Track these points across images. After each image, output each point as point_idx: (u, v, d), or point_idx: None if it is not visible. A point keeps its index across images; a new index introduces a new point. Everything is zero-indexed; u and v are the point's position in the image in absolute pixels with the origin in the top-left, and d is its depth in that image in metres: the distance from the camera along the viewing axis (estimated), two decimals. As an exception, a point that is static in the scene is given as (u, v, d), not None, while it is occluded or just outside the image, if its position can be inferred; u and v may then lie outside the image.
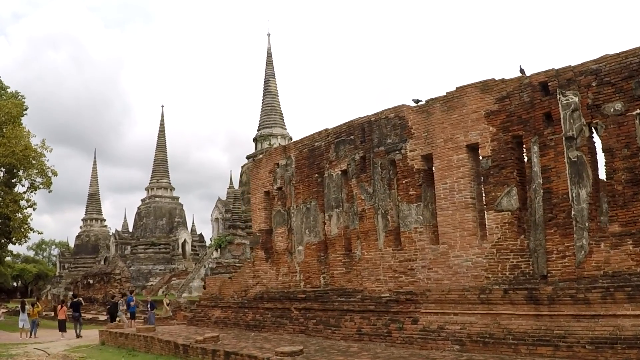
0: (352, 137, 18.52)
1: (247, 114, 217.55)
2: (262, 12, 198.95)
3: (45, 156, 40.37)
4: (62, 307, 30.79)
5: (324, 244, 19.45)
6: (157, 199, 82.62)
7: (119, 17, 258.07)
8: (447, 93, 15.93)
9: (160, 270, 74.76)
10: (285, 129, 74.29)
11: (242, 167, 73.14)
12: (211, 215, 68.42)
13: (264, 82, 75.82)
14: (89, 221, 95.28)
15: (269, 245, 21.78)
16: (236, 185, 70.78)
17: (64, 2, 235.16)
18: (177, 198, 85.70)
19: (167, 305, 35.15)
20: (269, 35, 78.43)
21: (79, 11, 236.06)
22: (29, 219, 40.63)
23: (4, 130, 37.43)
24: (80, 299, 32.51)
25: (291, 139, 74.56)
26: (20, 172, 40.25)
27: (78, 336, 28.80)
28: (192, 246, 79.65)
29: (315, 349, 15.65)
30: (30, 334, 29.89)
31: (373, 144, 17.72)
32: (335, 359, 13.96)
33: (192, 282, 61.71)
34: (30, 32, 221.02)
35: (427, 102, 16.57)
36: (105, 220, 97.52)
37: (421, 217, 16.21)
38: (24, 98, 41.89)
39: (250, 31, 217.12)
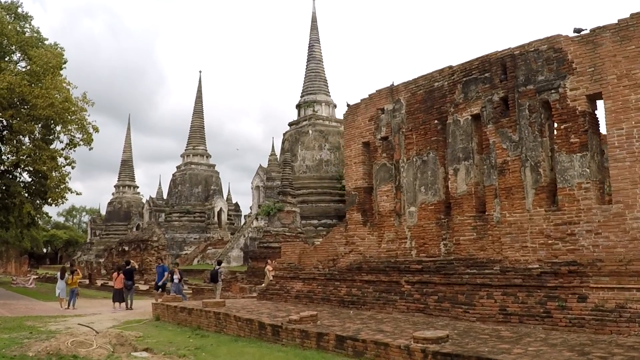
0: (487, 74, 15.02)
1: (283, 85, 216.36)
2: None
3: (86, 110, 36.98)
4: (119, 274, 27.21)
5: (445, 203, 16.03)
6: (193, 166, 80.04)
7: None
8: (619, 20, 12.62)
9: (195, 239, 72.32)
10: (329, 96, 71.36)
11: (284, 134, 70.31)
12: (252, 183, 65.44)
13: (308, 47, 72.79)
14: (121, 188, 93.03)
15: (368, 206, 18.31)
16: (278, 153, 67.80)
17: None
18: (214, 166, 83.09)
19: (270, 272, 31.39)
20: (313, -1, 75.14)
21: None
22: (67, 178, 37.37)
23: (43, 81, 34.22)
24: (135, 264, 29.07)
25: (335, 106, 71.45)
26: (59, 127, 37.04)
27: (128, 308, 25.73)
28: (227, 215, 76.88)
29: (455, 332, 12.28)
30: (69, 305, 26.78)
31: (518, 82, 14.25)
32: (498, 347, 10.61)
33: (231, 252, 59.10)
34: (66, 1, 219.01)
35: (591, 31, 13.21)
36: (138, 187, 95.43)
37: (587, 170, 12.78)
38: (64, 50, 38.62)
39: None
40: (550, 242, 13.29)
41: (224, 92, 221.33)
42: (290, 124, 70.79)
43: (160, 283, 27.16)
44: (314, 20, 73.69)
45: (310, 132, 66.51)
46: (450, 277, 14.85)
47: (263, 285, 29.40)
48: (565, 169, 13.15)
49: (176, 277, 27.53)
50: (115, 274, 27.47)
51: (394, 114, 17.45)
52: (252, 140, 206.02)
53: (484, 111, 14.95)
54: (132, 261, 29.58)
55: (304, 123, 68.15)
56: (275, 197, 58.37)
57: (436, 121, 16.22)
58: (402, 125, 17.15)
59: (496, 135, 14.56)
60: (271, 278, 31.15)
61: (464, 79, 15.56)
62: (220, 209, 75.74)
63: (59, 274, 29.24)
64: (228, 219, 77.57)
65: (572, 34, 13.70)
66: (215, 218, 74.98)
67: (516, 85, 14.26)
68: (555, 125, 13.59)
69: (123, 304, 26.32)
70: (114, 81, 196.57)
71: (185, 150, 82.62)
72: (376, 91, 18.08)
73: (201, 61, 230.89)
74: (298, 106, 70.85)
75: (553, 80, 13.56)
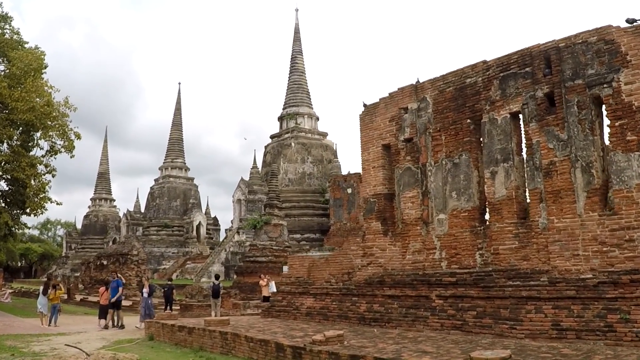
0: (527, 69, 13.82)
1: (261, 99, 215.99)
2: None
3: (68, 116, 35.08)
4: (106, 289, 24.76)
5: (480, 210, 14.74)
6: (171, 179, 78.39)
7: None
8: (675, 8, 11.42)
9: (173, 253, 70.52)
10: (312, 108, 70.33)
11: (266, 147, 69.17)
12: (233, 196, 63.96)
13: (291, 58, 71.94)
14: (97, 201, 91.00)
15: (389, 214, 16.86)
16: (260, 166, 66.38)
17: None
18: (192, 179, 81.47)
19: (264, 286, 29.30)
20: (297, 10, 74.50)
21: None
22: (47, 187, 35.37)
23: (23, 84, 32.34)
24: (122, 279, 26.81)
25: (318, 118, 70.38)
26: (39, 133, 35.03)
27: (115, 326, 23.64)
28: (206, 229, 75.18)
29: (510, 351, 10.87)
30: (50, 322, 24.86)
31: (564, 76, 13.09)
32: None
33: (212, 267, 57.59)
34: (45, 11, 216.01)
35: (646, 21, 12.16)
36: (114, 200, 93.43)
37: (646, 170, 11.65)
38: (44, 54, 36.76)
39: (274, 9, 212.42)
40: (605, 249, 12.12)
41: (201, 105, 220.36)
42: (272, 137, 69.59)
43: (113, 300, 24.02)
44: (296, 32, 72.82)
45: (292, 144, 65.37)
46: (490, 290, 13.48)
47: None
48: (621, 169, 12.00)
49: (145, 290, 24.83)
50: (102, 289, 25.38)
51: (419, 113, 16.13)
52: (229, 154, 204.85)
53: (526, 108, 13.75)
54: (119, 275, 27.52)
55: (287, 135, 67.01)
56: (257, 211, 56.97)
57: (469, 120, 14.95)
58: (428, 125, 15.84)
59: (541, 134, 13.34)
60: (267, 293, 29.67)
61: (501, 74, 14.36)
62: (199, 223, 74.08)
63: (41, 288, 27.24)
64: (207, 234, 75.94)
65: (623, 25, 12.64)
66: (194, 232, 73.26)
67: (562, 80, 13.11)
68: (609, 122, 12.43)
69: (103, 322, 24.23)
70: (91, 93, 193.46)
71: (164, 163, 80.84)
72: (398, 89, 16.76)
73: (178, 75, 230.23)
74: (280, 118, 69.71)
75: (605, 74, 12.46)
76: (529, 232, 13.37)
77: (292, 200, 60.77)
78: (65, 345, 16.97)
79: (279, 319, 18.80)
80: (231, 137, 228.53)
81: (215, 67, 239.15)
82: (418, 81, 16.45)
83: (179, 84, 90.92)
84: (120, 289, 24.59)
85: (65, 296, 42.37)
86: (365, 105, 17.62)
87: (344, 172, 61.94)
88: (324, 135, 69.23)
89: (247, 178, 64.91)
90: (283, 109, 69.86)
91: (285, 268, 32.08)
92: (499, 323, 12.94)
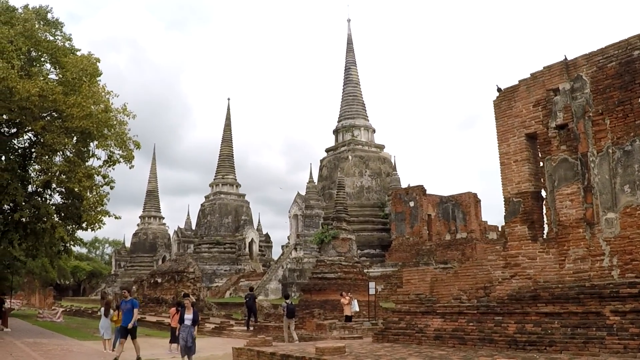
0: None
1: (306, 117, 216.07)
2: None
3: (126, 124, 32.81)
4: (177, 311, 20.74)
5: (660, 205, 11.95)
6: (222, 195, 76.90)
7: (178, 18, 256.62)
8: None
9: (225, 270, 68.78)
10: (368, 120, 68.28)
11: (322, 160, 67.11)
12: (289, 212, 61.61)
13: (345, 70, 70.18)
14: (146, 218, 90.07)
15: (537, 215, 14.10)
16: (316, 180, 64.21)
17: (123, 3, 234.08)
18: (244, 195, 79.77)
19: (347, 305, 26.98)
20: (349, 21, 72.87)
21: (138, 13, 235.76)
22: (105, 199, 33.04)
23: (79, 90, 30.23)
24: (192, 298, 23.43)
25: (374, 130, 68.08)
26: (95, 142, 32.75)
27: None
28: (259, 246, 73.16)
29: None
30: (114, 347, 22.20)
31: None
32: None
33: (269, 284, 55.37)
34: (92, 34, 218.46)
35: None
36: (163, 218, 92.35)
37: None
38: (99, 60, 34.82)
39: (324, 22, 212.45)
40: None
41: (247, 124, 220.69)
42: (327, 150, 67.67)
43: (131, 325, 18.44)
44: (349, 43, 71.17)
45: (349, 157, 63.21)
46: (686, 305, 10.69)
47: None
48: None
49: (188, 317, 17.21)
50: (172, 310, 22.62)
51: (573, 94, 13.39)
52: (276, 172, 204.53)
53: None
54: (190, 294, 24.96)
55: (343, 149, 64.96)
56: (314, 226, 54.63)
57: (640, 99, 12.21)
58: (587, 108, 13.07)
59: None
60: (349, 313, 27.19)
61: (683, 40, 11.63)
62: (252, 239, 72.27)
63: (101, 310, 24.77)
64: (259, 251, 73.93)
65: None
66: (247, 249, 71.48)
67: None
68: None
69: (174, 346, 21.28)
70: (137, 114, 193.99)
71: (214, 179, 79.55)
72: (544, 68, 14.04)
73: (225, 94, 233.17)
74: (335, 131, 67.87)
75: None
76: None
77: (351, 214, 58.40)
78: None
79: (398, 343, 15.77)
80: (277, 155, 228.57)
81: (258, 87, 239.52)
82: (566, 58, 13.79)
83: (228, 99, 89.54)
84: (136, 310, 18.99)
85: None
86: (499, 89, 14.94)
87: (403, 185, 59.79)
88: (381, 147, 66.95)
89: (303, 193, 62.74)
90: (338, 121, 67.86)
91: (372, 284, 29.70)
92: None
